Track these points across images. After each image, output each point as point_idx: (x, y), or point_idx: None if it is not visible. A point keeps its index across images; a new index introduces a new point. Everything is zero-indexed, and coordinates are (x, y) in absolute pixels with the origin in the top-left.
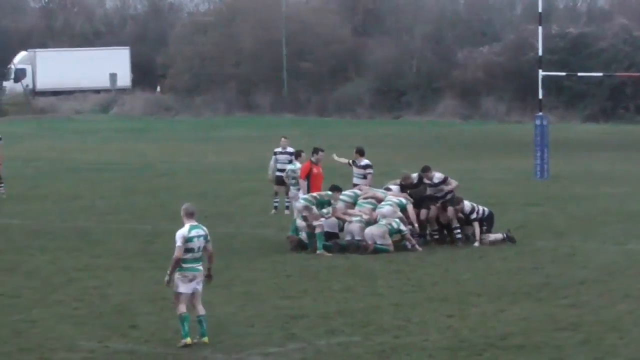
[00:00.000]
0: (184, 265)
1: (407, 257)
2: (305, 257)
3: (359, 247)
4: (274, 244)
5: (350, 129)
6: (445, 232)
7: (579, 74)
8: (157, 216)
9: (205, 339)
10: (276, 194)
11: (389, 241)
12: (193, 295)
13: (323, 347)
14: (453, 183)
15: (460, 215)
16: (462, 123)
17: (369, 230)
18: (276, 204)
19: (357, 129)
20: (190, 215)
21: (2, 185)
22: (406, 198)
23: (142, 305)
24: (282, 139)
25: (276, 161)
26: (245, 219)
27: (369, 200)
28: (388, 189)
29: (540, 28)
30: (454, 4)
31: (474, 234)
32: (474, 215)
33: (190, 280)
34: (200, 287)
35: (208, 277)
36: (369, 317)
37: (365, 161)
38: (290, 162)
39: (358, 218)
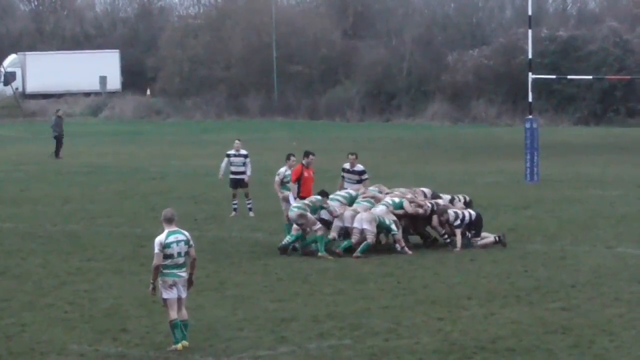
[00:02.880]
0: (164, 271)
1: (397, 260)
2: (295, 260)
3: (349, 248)
4: (265, 247)
5: (340, 132)
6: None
7: (569, 77)
8: (147, 220)
9: (185, 342)
10: (234, 196)
11: (374, 229)
12: (180, 300)
13: (313, 350)
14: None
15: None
16: (452, 126)
17: (359, 216)
18: (235, 206)
19: (347, 132)
20: (168, 220)
21: None
22: (401, 197)
23: (132, 309)
24: (236, 141)
25: (229, 164)
26: (235, 222)
27: (368, 199)
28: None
29: (530, 31)
30: (444, 7)
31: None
32: (457, 223)
33: (171, 286)
34: (183, 294)
35: (189, 282)
36: (360, 320)
37: (360, 167)
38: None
39: (352, 209)
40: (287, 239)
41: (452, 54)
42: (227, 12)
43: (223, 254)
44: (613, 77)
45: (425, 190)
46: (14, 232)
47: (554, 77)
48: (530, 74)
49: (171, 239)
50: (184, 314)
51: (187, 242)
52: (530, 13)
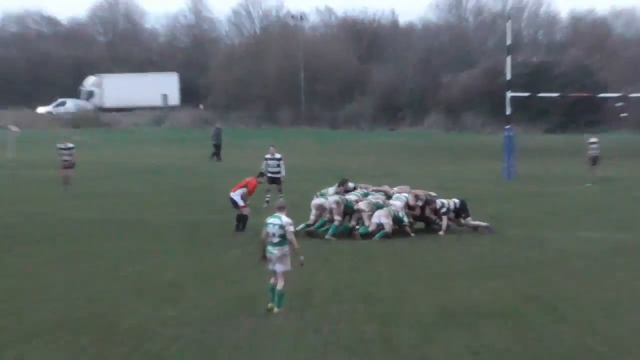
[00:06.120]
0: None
1: (401, 243)
2: (318, 243)
3: (365, 234)
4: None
5: (355, 139)
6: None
7: (540, 94)
8: (199, 209)
9: (274, 307)
10: (268, 190)
11: (390, 221)
12: (276, 273)
13: (334, 313)
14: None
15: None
16: (445, 134)
17: (378, 212)
18: (267, 199)
19: (361, 138)
20: (277, 208)
21: (69, 184)
22: (407, 193)
23: (189, 281)
24: (271, 147)
25: (267, 165)
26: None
27: (381, 192)
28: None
29: (508, 58)
30: (440, 37)
31: (445, 226)
32: (443, 210)
33: (270, 260)
34: (277, 267)
35: (297, 259)
36: (371, 290)
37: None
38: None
39: (367, 201)
40: (317, 225)
41: (446, 76)
42: (264, 41)
43: (258, 238)
44: (575, 95)
45: (418, 192)
46: (94, 220)
47: (527, 94)
48: (508, 92)
49: (269, 220)
50: (279, 285)
51: (281, 227)
52: (508, 43)
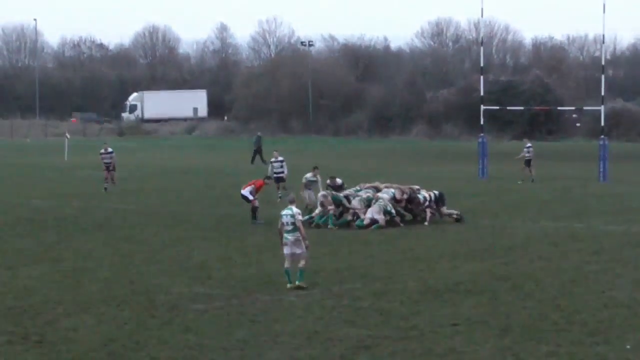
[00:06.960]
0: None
1: (391, 231)
2: (322, 232)
3: (361, 226)
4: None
5: (354, 145)
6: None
7: (508, 107)
8: (225, 203)
9: (298, 282)
10: (278, 188)
11: (382, 216)
12: (294, 254)
13: (336, 290)
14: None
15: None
16: (429, 141)
17: (371, 209)
18: (280, 195)
19: (359, 145)
20: (288, 202)
21: (114, 183)
22: (394, 189)
23: (215, 263)
24: (274, 152)
25: (272, 167)
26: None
27: (372, 188)
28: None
29: (482, 77)
30: (424, 60)
31: (429, 217)
32: (426, 204)
33: (285, 245)
34: (297, 250)
35: (304, 244)
36: (367, 270)
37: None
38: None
39: (359, 198)
40: (316, 218)
41: (429, 92)
42: (278, 63)
43: (274, 227)
44: (537, 108)
45: (403, 187)
46: (135, 212)
47: (497, 107)
48: (482, 105)
49: (283, 212)
50: (300, 264)
51: (292, 216)
52: (482, 65)
